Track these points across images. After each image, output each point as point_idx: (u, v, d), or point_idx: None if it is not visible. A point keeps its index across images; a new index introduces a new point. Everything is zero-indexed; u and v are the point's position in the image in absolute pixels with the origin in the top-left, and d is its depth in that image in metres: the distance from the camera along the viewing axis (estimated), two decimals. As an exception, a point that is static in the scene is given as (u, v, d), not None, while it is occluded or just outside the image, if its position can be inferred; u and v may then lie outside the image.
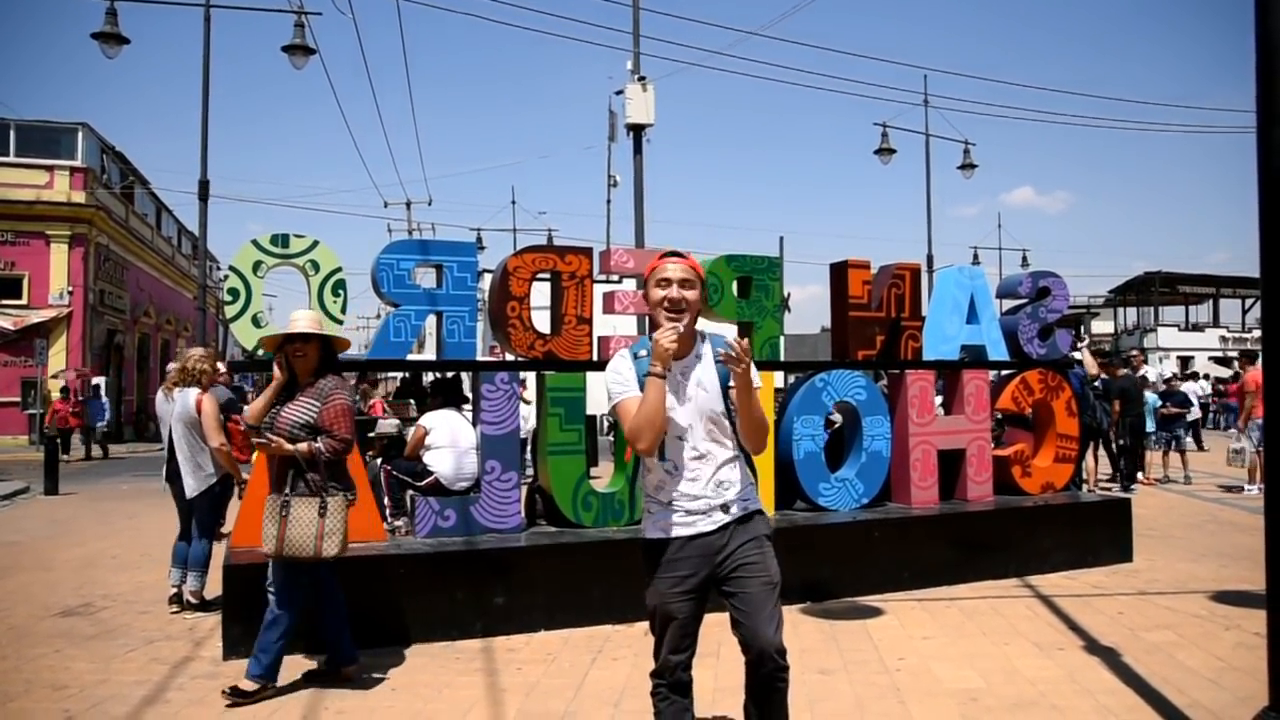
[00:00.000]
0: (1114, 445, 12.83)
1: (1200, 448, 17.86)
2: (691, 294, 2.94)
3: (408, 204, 34.25)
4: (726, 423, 2.99)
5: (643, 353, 2.95)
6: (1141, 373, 13.34)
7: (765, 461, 6.43)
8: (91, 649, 5.17)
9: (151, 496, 12.49)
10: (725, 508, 2.96)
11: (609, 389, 2.97)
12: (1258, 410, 11.50)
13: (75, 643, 5.30)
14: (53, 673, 4.73)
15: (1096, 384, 12.06)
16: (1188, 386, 17.98)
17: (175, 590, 6.06)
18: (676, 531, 2.95)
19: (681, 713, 3.00)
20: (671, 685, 2.99)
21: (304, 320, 4.52)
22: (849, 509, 6.78)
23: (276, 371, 4.49)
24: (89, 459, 20.70)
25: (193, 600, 5.98)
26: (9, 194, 24.81)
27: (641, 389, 2.89)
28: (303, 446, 4.31)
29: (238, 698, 4.19)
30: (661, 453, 2.95)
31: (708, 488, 2.95)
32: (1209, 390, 28.33)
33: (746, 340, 2.90)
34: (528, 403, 9.59)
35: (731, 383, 2.92)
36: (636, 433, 2.84)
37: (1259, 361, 12.55)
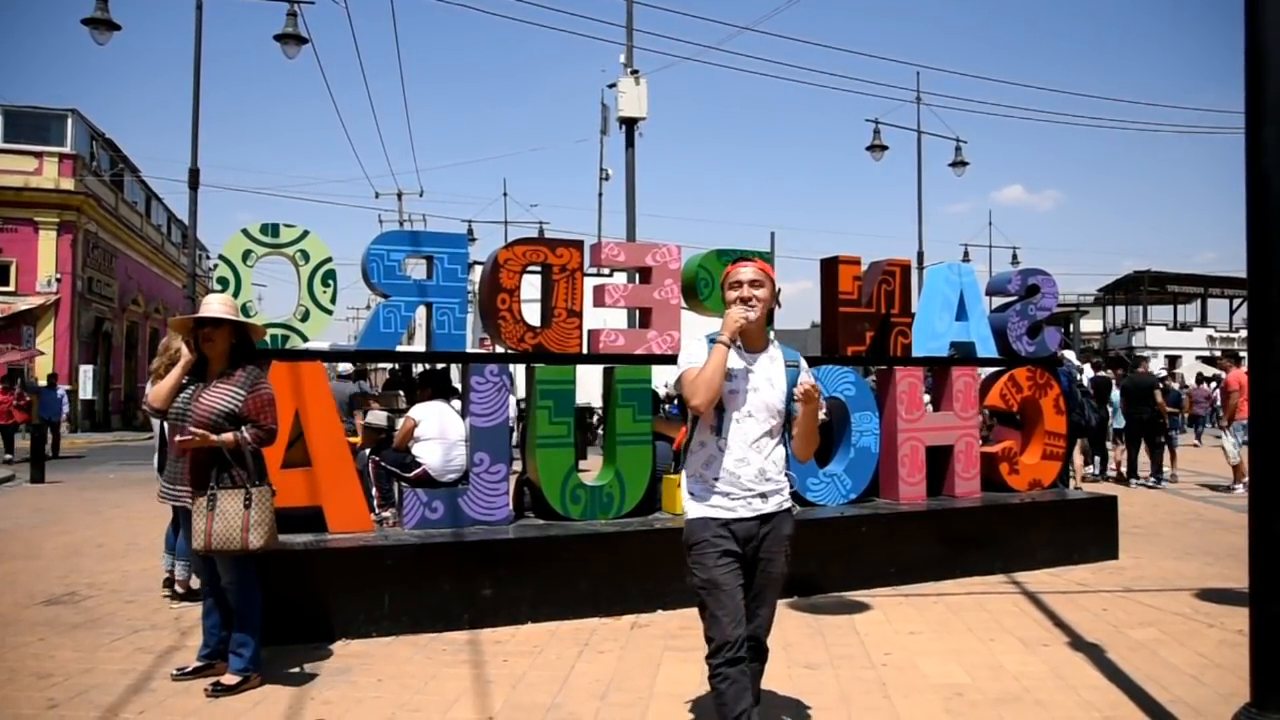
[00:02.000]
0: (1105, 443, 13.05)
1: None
2: (761, 292, 3.24)
3: (399, 195, 34.19)
4: (781, 422, 3.28)
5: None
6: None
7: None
8: (76, 638, 5.15)
9: (138, 486, 12.45)
10: (764, 496, 3.22)
11: (680, 362, 3.26)
12: (1242, 410, 11.63)
13: (60, 631, 5.28)
14: (37, 661, 4.71)
15: (1084, 382, 12.15)
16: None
17: (168, 575, 6.05)
18: (718, 514, 3.19)
19: (743, 691, 3.07)
20: (730, 662, 3.06)
21: (215, 305, 4.40)
22: (837, 504, 6.80)
23: (185, 351, 4.36)
24: (55, 456, 17.55)
25: (180, 590, 5.97)
26: (-3, 180, 24.65)
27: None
28: (228, 437, 4.19)
29: (221, 693, 4.17)
30: (719, 429, 3.21)
31: (752, 473, 3.20)
32: None
33: (816, 384, 3.18)
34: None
35: (797, 399, 3.20)
36: (694, 389, 3.12)
37: (1242, 362, 12.95)
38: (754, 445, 3.20)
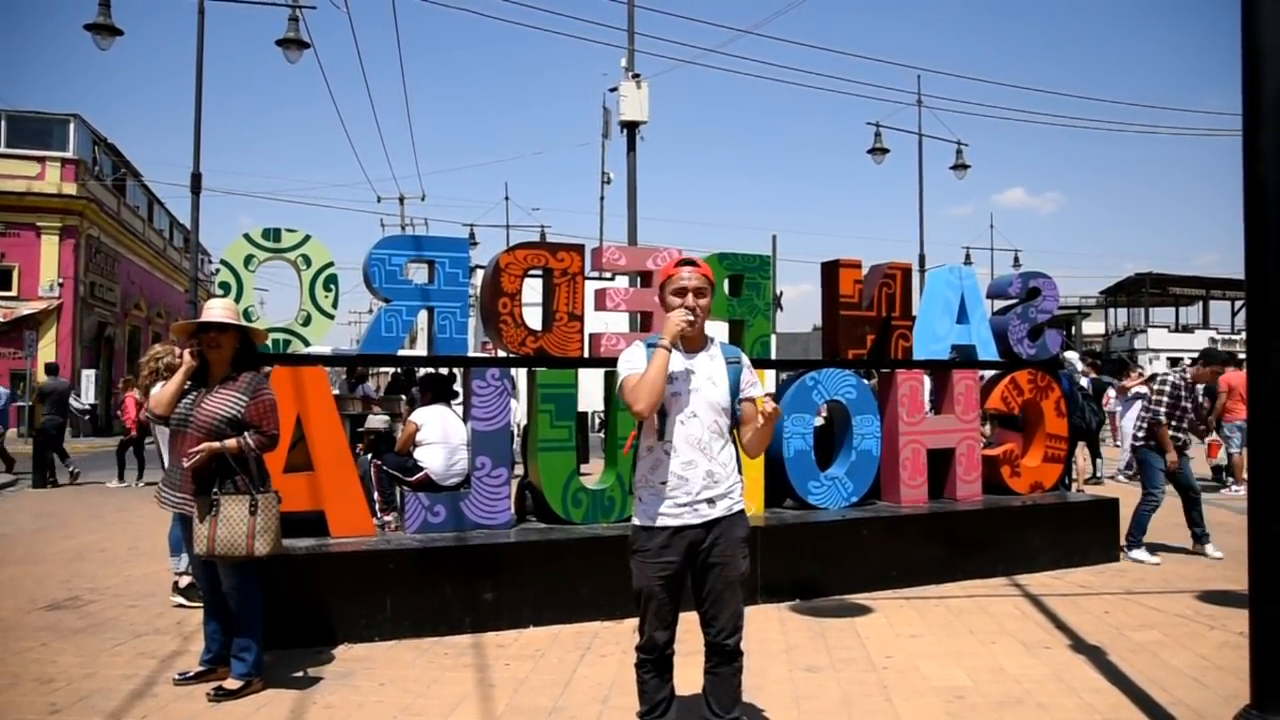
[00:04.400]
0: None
1: None
2: (704, 300, 3.27)
3: (401, 199, 34.14)
4: (728, 420, 3.28)
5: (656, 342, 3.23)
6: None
7: (755, 459, 6.45)
8: (79, 643, 5.16)
9: (141, 491, 12.47)
10: (711, 501, 3.21)
11: (619, 369, 3.26)
12: (1237, 412, 11.88)
13: (62, 636, 5.29)
14: (39, 666, 4.72)
15: (1084, 384, 12.19)
16: None
17: (178, 578, 6.07)
18: (664, 521, 3.20)
19: (663, 685, 3.30)
20: (656, 661, 3.28)
21: (219, 309, 4.40)
22: (838, 507, 6.80)
23: (187, 357, 4.36)
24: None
25: (180, 583, 5.96)
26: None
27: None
28: (231, 443, 4.19)
29: (223, 698, 4.18)
30: (662, 433, 3.21)
31: (700, 475, 3.20)
32: None
33: (770, 406, 3.20)
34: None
35: (743, 397, 3.27)
36: (635, 394, 3.11)
37: (1231, 364, 13.16)
38: (700, 447, 3.20)
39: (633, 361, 3.21)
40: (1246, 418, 11.15)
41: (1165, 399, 7.43)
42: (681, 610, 3.30)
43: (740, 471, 3.35)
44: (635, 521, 3.29)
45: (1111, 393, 13.49)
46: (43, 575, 7.03)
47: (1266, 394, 3.24)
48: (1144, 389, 12.76)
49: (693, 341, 3.28)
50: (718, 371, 3.27)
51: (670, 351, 3.14)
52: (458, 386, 7.97)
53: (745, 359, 3.38)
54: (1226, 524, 9.39)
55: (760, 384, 3.40)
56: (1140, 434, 7.57)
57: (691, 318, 3.18)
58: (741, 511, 3.30)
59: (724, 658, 3.27)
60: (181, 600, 5.91)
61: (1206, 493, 12.16)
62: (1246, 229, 3.26)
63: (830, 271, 7.15)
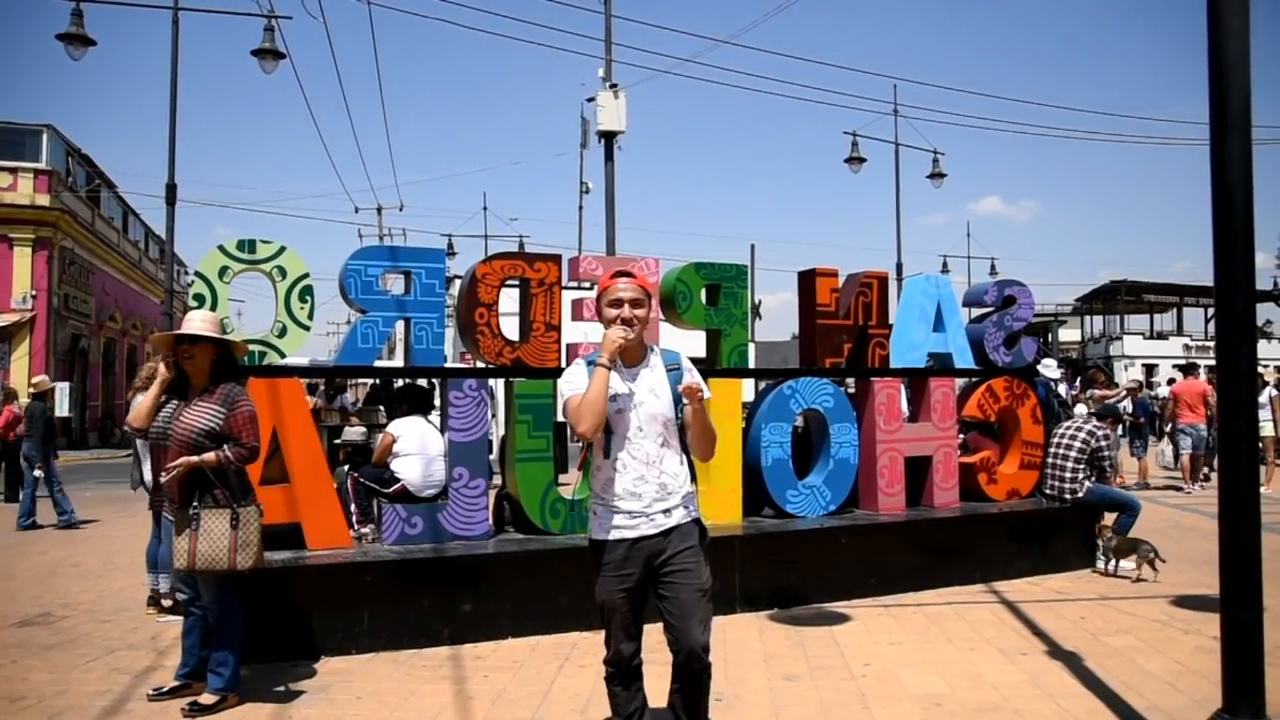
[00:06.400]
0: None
1: None
2: (641, 311, 3.23)
3: (379, 209, 34.03)
4: (675, 429, 3.25)
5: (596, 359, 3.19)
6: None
7: (733, 469, 6.47)
8: (51, 659, 5.09)
9: (116, 504, 12.32)
10: (667, 511, 3.20)
11: (560, 390, 3.23)
12: (1183, 416, 12.82)
13: (34, 653, 5.22)
14: (9, 684, 4.65)
15: (1061, 392, 12.29)
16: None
17: (152, 593, 6.03)
18: (621, 534, 3.20)
19: (633, 696, 3.29)
20: (624, 673, 3.27)
21: (196, 321, 4.36)
22: (816, 516, 6.81)
23: (163, 369, 4.31)
24: None
25: (166, 604, 5.91)
26: (-29, 196, 24.39)
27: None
28: (210, 457, 4.14)
29: (198, 713, 4.14)
30: (608, 451, 3.19)
31: (652, 489, 3.18)
32: None
33: (693, 382, 3.16)
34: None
35: (686, 404, 3.16)
36: (578, 415, 3.10)
37: (1195, 372, 13.93)
38: (648, 461, 3.17)
39: (574, 381, 3.18)
40: (1190, 423, 12.19)
41: (1083, 460, 7.41)
42: (647, 623, 3.28)
43: (694, 480, 3.31)
44: (592, 535, 3.27)
45: (1082, 409, 13.61)
46: (13, 591, 6.94)
47: (1235, 399, 3.29)
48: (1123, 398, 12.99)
49: (632, 354, 3.24)
50: (658, 382, 3.23)
51: (609, 369, 3.10)
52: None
53: (685, 362, 3.33)
54: (1199, 528, 9.49)
55: (705, 384, 3.27)
56: (1079, 475, 7.46)
57: (627, 333, 3.14)
58: (698, 520, 3.27)
59: (691, 679, 3.19)
60: (170, 618, 5.83)
61: (1171, 489, 12.43)
62: (1215, 237, 3.31)
63: (806, 281, 7.19)
